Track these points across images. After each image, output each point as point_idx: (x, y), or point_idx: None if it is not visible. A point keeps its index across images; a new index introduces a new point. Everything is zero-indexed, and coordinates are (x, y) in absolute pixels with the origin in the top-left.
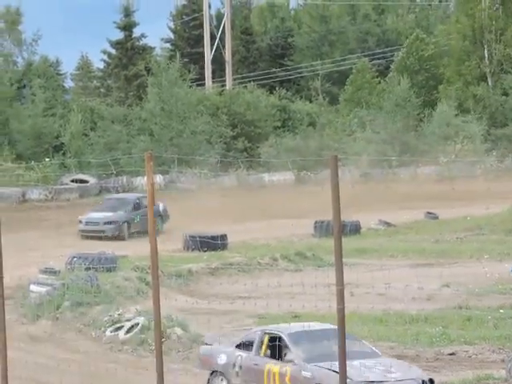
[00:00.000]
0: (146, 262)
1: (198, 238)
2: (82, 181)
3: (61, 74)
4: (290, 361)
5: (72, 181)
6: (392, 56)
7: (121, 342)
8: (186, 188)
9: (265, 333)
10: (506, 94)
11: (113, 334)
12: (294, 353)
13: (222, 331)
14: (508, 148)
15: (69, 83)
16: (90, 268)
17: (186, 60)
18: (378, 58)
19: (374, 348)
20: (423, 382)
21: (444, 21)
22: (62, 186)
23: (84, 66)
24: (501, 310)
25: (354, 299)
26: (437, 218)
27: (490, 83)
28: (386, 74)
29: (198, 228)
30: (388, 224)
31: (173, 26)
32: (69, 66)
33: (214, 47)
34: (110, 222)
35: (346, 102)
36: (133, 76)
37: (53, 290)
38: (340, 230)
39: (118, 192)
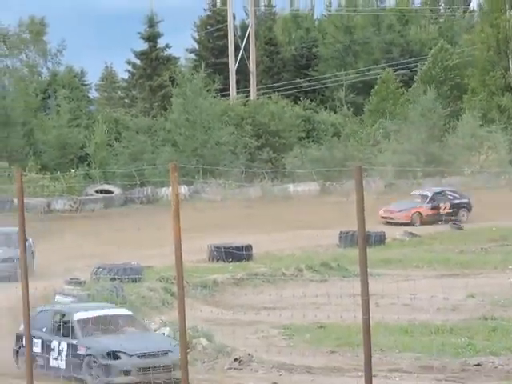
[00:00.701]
0: (172, 272)
1: (222, 249)
2: (106, 191)
3: (85, 85)
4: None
5: (97, 191)
6: (416, 66)
7: None
8: (211, 199)
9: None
10: None
11: None
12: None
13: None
14: None
15: (93, 94)
16: (115, 278)
17: (210, 70)
18: (402, 69)
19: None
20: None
21: (468, 31)
22: (87, 197)
23: (108, 77)
24: None
25: (379, 310)
26: (461, 228)
27: None
28: (410, 84)
29: (223, 239)
30: (413, 234)
31: (197, 37)
32: (93, 77)
33: (239, 58)
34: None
35: (371, 112)
36: (157, 86)
37: (78, 300)
38: (365, 240)
39: (142, 203)
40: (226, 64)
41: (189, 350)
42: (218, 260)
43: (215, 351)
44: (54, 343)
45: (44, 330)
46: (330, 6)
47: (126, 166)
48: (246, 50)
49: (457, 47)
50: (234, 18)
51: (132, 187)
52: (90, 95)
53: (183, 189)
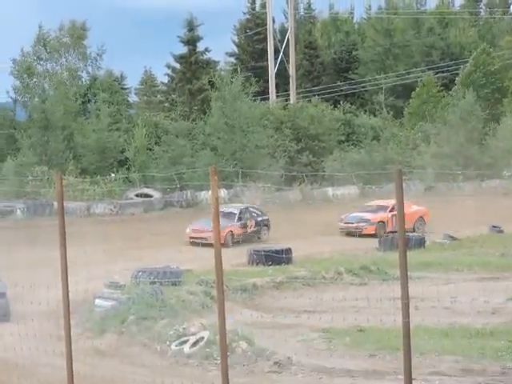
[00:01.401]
0: (211, 276)
1: (262, 252)
2: (146, 195)
3: (125, 89)
4: None
5: (137, 195)
6: (456, 69)
7: (186, 355)
8: (250, 202)
9: None
10: None
11: (178, 348)
12: None
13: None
14: None
15: (133, 98)
16: (155, 282)
17: (249, 74)
18: (442, 72)
19: None
20: None
21: (510, 33)
22: (127, 201)
23: (148, 81)
24: None
25: (418, 313)
26: (502, 231)
27: None
28: (450, 87)
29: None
30: (453, 238)
31: (237, 40)
32: (133, 81)
33: (278, 61)
34: None
35: (411, 115)
36: (197, 90)
37: (118, 304)
38: (405, 243)
39: (182, 206)
40: (266, 68)
41: (228, 354)
42: (257, 263)
43: (255, 354)
44: None
45: None
46: (370, 9)
47: (166, 169)
48: (286, 53)
49: (497, 49)
50: (274, 21)
51: (171, 191)
52: (129, 99)
53: (223, 192)
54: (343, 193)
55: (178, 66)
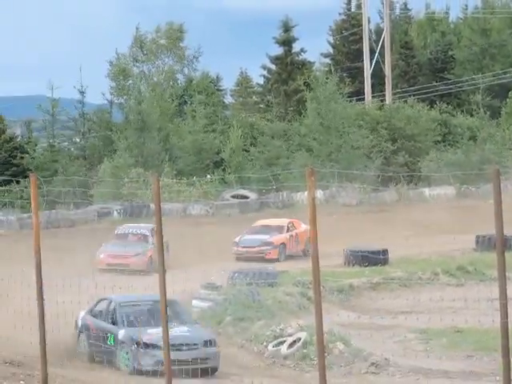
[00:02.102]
0: (307, 277)
1: (359, 253)
2: (242, 196)
3: (221, 90)
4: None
5: (233, 196)
6: None
7: (283, 356)
8: (346, 203)
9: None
10: None
11: (275, 348)
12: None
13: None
14: None
15: (228, 99)
16: (251, 283)
17: (345, 74)
18: None
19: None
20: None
21: None
22: (223, 202)
23: (243, 82)
24: None
25: None
26: None
27: None
28: None
29: (359, 242)
30: None
31: (332, 41)
32: (228, 82)
33: (374, 62)
34: None
35: (508, 115)
36: (292, 91)
37: (215, 305)
38: (503, 243)
39: (278, 207)
40: (361, 68)
41: (326, 355)
42: (354, 264)
43: (352, 355)
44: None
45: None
46: (466, 9)
47: (262, 170)
48: (381, 54)
49: None
50: (369, 21)
51: (267, 192)
52: (225, 100)
53: (319, 193)
54: (440, 193)
55: (273, 67)
